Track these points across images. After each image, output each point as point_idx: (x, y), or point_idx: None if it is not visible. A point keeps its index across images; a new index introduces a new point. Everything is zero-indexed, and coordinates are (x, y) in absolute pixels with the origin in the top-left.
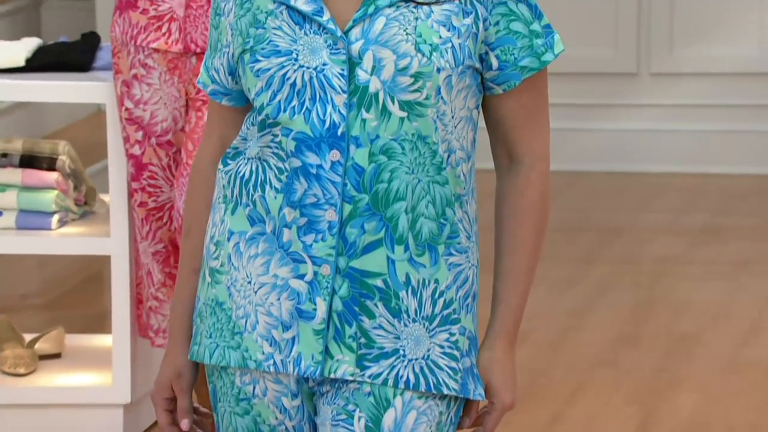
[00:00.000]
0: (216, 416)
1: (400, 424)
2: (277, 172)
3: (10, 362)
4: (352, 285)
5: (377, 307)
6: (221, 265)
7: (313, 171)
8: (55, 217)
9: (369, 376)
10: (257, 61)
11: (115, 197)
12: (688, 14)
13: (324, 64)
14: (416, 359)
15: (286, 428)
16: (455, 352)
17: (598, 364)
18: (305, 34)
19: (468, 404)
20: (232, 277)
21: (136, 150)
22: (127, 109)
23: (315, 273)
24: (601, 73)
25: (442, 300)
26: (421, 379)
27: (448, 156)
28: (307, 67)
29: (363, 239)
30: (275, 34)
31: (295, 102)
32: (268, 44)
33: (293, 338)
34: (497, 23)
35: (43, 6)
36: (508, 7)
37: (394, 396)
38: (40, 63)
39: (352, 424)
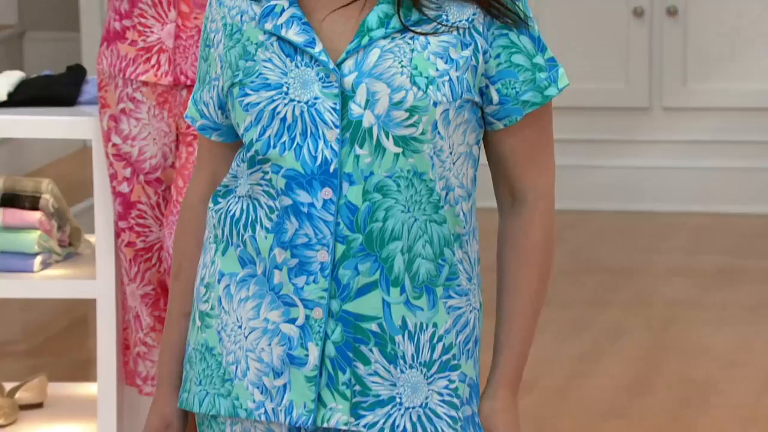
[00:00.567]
0: None
1: None
2: (267, 210)
3: None
4: (345, 329)
5: (372, 352)
6: (211, 309)
7: (305, 210)
8: (38, 259)
9: (364, 426)
10: (246, 95)
11: (101, 237)
12: (701, 47)
13: (315, 98)
14: (414, 407)
15: None
16: (455, 400)
17: (609, 413)
18: (296, 66)
19: None
20: (223, 321)
21: (124, 187)
22: (114, 144)
23: (306, 317)
24: (611, 108)
25: (440, 345)
26: (419, 429)
27: (447, 194)
28: (298, 101)
29: (357, 281)
30: (265, 67)
31: (285, 137)
32: (257, 77)
33: (284, 385)
34: (498, 56)
35: (25, 38)
36: (510, 39)
37: None
38: (23, 97)
39: None
